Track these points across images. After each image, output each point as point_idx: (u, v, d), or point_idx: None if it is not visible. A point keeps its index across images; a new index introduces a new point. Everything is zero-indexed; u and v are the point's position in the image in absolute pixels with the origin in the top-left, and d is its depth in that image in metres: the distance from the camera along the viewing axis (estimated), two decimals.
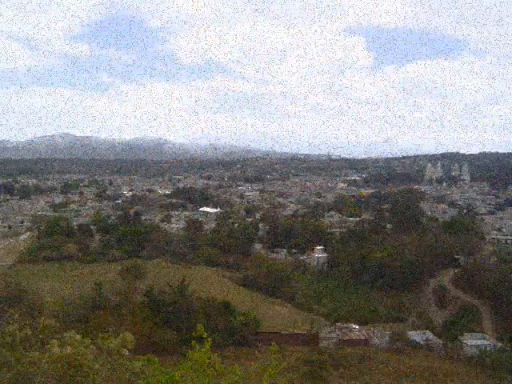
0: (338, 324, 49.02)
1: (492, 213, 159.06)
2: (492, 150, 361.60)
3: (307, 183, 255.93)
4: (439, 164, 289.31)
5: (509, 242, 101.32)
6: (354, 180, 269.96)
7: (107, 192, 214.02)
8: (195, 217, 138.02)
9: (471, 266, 69.05)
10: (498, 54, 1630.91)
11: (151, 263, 77.65)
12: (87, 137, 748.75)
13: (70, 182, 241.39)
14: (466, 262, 73.33)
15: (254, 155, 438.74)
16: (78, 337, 7.48)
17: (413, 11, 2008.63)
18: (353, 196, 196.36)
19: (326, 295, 68.37)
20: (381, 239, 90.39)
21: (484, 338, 43.61)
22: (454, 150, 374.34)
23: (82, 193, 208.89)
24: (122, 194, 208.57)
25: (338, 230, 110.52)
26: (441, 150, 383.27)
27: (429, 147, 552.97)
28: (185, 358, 6.77)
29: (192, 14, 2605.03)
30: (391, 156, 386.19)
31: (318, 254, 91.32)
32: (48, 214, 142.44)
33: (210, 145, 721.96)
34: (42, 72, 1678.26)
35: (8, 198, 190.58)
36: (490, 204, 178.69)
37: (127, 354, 7.41)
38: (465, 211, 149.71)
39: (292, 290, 67.57)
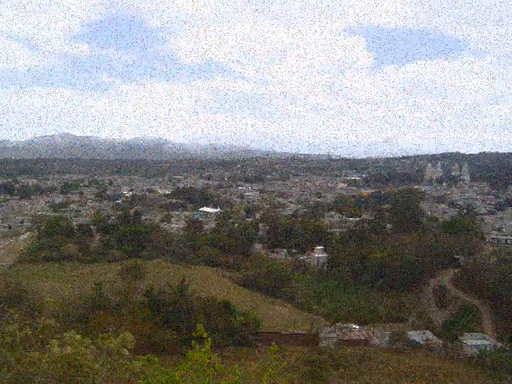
0: (338, 324, 49.00)
1: (492, 213, 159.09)
2: (492, 150, 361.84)
3: (307, 183, 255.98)
4: (439, 164, 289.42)
5: (509, 241, 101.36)
6: (354, 180, 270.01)
7: (107, 192, 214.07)
8: (195, 217, 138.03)
9: (471, 266, 69.04)
10: (498, 54, 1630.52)
11: (151, 263, 77.67)
12: (87, 137, 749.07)
13: (70, 182, 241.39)
14: (466, 262, 73.32)
15: (254, 155, 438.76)
16: (78, 337, 7.50)
17: (413, 11, 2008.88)
18: (353, 196, 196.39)
19: (326, 295, 68.36)
20: (381, 239, 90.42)
21: (484, 338, 43.60)
22: (454, 150, 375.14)
23: (82, 193, 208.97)
24: (122, 193, 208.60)
25: (338, 229, 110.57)
26: (441, 150, 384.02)
27: (429, 147, 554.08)
28: (185, 358, 6.77)
29: (192, 14, 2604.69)
30: (391, 156, 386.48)
31: (318, 253, 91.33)
32: (48, 213, 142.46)
33: (210, 145, 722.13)
34: (42, 72, 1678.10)
35: (8, 197, 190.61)
36: (490, 204, 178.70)
37: (127, 354, 7.42)
38: (465, 211, 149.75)
39: (292, 290, 67.57)
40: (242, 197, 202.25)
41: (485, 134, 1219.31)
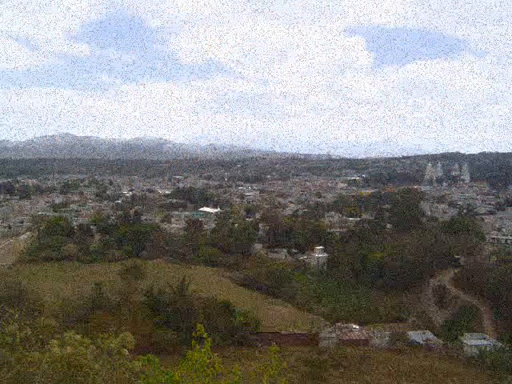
0: (338, 324, 48.92)
1: (492, 213, 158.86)
2: (492, 150, 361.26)
3: (307, 183, 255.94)
4: (439, 164, 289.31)
5: (509, 242, 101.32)
6: (354, 180, 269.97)
7: (107, 192, 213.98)
8: (195, 217, 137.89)
9: (471, 266, 69.06)
10: (498, 54, 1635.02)
11: (151, 263, 77.67)
12: (87, 137, 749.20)
13: (69, 182, 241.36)
14: (466, 262, 73.32)
15: (254, 155, 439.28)
16: (78, 337, 7.49)
17: (413, 11, 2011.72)
18: (353, 196, 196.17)
19: (326, 295, 68.39)
20: (381, 239, 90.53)
21: (484, 338, 43.55)
22: (454, 150, 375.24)
23: (82, 193, 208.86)
24: (121, 193, 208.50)
25: (338, 230, 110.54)
26: (441, 150, 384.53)
27: (429, 147, 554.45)
28: (185, 358, 6.77)
29: (192, 14, 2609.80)
30: (391, 156, 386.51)
31: (318, 254, 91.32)
32: (48, 213, 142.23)
33: (210, 145, 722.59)
34: (41, 72, 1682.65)
35: (8, 197, 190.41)
36: (490, 204, 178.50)
37: (127, 354, 7.41)
38: (465, 211, 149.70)
39: (292, 290, 67.55)
40: (242, 197, 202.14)
41: (485, 134, 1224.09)
